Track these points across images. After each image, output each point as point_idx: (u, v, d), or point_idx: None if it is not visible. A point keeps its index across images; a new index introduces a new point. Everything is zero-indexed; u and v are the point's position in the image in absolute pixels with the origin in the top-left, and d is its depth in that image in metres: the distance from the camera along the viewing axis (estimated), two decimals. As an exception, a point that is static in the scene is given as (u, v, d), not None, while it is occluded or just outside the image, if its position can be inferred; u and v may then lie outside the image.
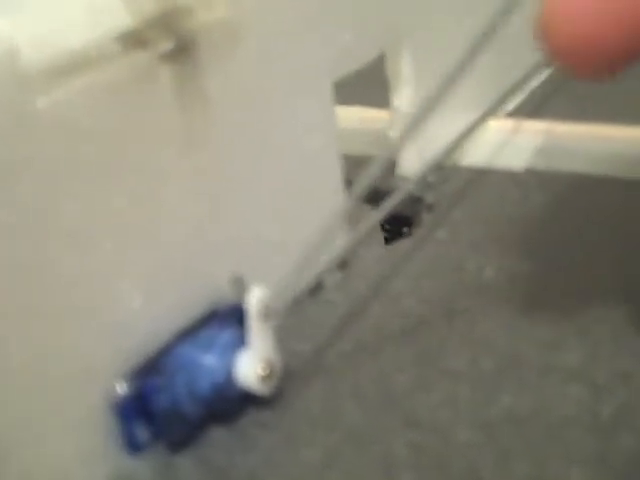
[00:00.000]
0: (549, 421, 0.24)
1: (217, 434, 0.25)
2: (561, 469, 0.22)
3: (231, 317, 0.25)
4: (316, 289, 0.31)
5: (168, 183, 0.25)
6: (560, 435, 0.23)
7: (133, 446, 0.24)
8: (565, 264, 0.31)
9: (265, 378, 0.24)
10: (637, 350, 0.26)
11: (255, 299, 0.24)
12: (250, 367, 0.24)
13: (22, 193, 0.21)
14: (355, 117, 0.42)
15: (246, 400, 0.25)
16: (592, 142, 0.39)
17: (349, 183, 0.33)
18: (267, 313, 0.25)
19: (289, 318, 0.28)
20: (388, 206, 0.32)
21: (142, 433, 0.24)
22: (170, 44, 0.24)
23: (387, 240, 0.35)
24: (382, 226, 0.35)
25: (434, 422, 0.24)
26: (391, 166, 0.38)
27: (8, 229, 0.20)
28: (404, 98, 0.38)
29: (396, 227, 0.35)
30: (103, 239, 0.23)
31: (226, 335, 0.25)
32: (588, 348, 0.26)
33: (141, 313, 0.24)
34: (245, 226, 0.27)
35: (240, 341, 0.25)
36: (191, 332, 0.25)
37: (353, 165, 0.34)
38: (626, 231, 0.32)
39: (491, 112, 0.38)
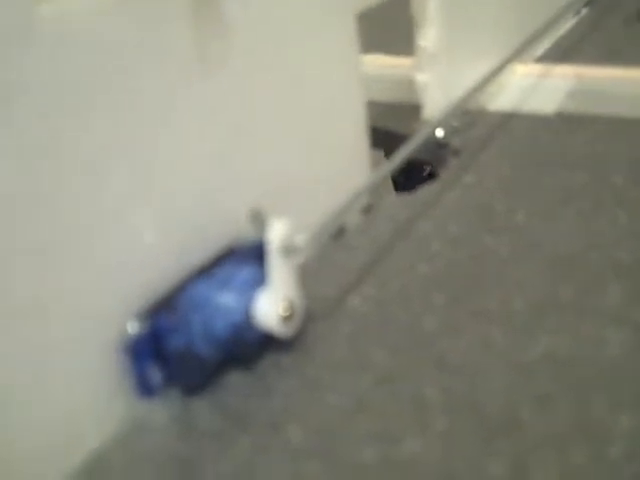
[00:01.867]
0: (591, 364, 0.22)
1: (235, 378, 0.23)
2: (608, 414, 0.20)
3: (250, 254, 0.24)
4: (339, 233, 0.29)
5: (184, 108, 0.23)
6: (604, 379, 0.21)
7: (146, 389, 0.22)
8: (597, 206, 0.29)
9: (286, 319, 0.23)
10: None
11: (276, 234, 0.23)
12: (270, 307, 0.23)
13: (24, 115, 0.19)
14: (379, 64, 0.40)
15: (265, 342, 0.23)
16: (622, 85, 0.38)
17: (373, 129, 0.32)
18: (289, 249, 0.23)
19: (312, 260, 0.26)
20: (411, 148, 0.31)
21: (156, 375, 0.22)
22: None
23: (411, 187, 0.34)
24: (406, 173, 0.33)
25: (466, 365, 0.23)
26: (416, 110, 0.37)
27: (14, 156, 0.19)
28: (430, 38, 0.36)
29: (420, 172, 0.34)
30: (115, 168, 0.21)
31: (245, 273, 0.23)
32: (627, 290, 0.25)
33: (155, 249, 0.22)
34: (266, 159, 0.26)
35: (259, 280, 0.23)
36: (207, 269, 0.23)
37: (377, 111, 0.32)
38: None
39: (517, 55, 0.37)
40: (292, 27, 0.26)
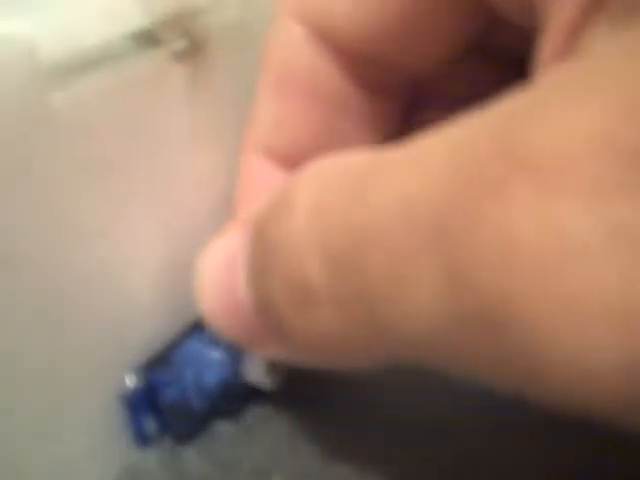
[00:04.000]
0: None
1: (223, 428, 0.25)
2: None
3: (239, 313, 0.26)
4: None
5: (180, 179, 0.25)
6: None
7: (142, 438, 0.24)
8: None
9: (271, 373, 0.25)
10: None
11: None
12: (256, 362, 0.25)
13: (35, 191, 0.21)
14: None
15: (252, 394, 0.25)
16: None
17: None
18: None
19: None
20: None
21: (151, 425, 0.24)
22: (183, 43, 0.24)
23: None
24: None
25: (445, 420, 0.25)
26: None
27: (20, 227, 0.21)
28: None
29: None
30: (115, 236, 0.23)
31: (234, 330, 0.25)
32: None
33: (152, 309, 0.25)
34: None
35: (247, 336, 0.25)
36: (199, 327, 0.25)
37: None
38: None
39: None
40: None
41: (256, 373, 0.25)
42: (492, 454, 0.23)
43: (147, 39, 0.24)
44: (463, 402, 0.25)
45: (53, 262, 0.22)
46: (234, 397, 0.25)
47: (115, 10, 0.23)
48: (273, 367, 0.25)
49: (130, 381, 0.24)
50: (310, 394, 0.26)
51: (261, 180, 0.20)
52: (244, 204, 0.22)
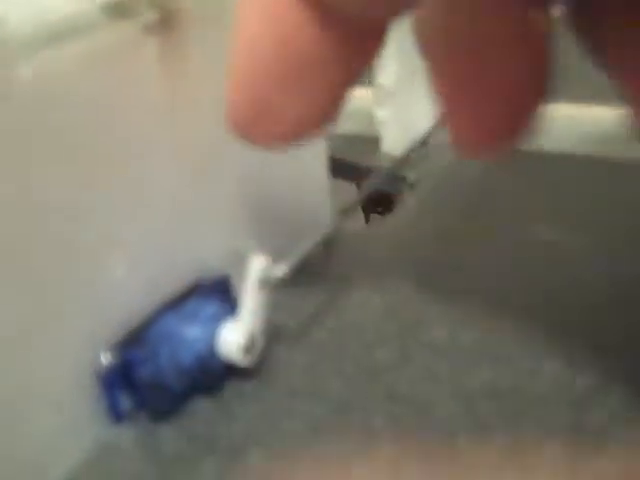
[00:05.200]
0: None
1: (199, 405, 0.25)
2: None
3: (215, 290, 0.26)
4: (303, 265, 0.31)
5: (153, 153, 0.25)
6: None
7: (116, 415, 0.24)
8: (544, 238, 0.31)
9: (247, 350, 0.25)
10: (611, 324, 0.26)
11: (256, 267, 0.24)
12: (233, 339, 0.25)
13: (2, 165, 0.21)
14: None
15: (229, 372, 0.25)
16: (569, 121, 0.40)
17: (333, 161, 0.33)
18: (266, 281, 0.25)
19: (277, 293, 0.28)
20: (372, 184, 0.33)
21: (125, 402, 0.24)
22: (155, 15, 0.24)
23: (370, 217, 0.35)
24: (365, 204, 0.35)
25: (414, 395, 0.25)
26: (375, 143, 0.39)
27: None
28: (389, 76, 0.38)
29: (378, 205, 0.35)
30: (88, 211, 0.23)
31: (210, 307, 0.25)
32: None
33: (126, 286, 0.24)
34: (231, 200, 0.28)
35: (223, 314, 0.25)
36: (175, 304, 0.25)
37: (338, 143, 0.34)
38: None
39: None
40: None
41: (232, 350, 0.25)
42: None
43: (118, 11, 0.23)
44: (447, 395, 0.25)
45: (24, 237, 0.21)
46: (210, 374, 0.25)
47: (85, -19, 0.23)
48: (250, 344, 0.25)
49: (105, 358, 0.23)
50: (287, 372, 0.26)
51: None
52: None
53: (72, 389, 0.23)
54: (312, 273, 0.31)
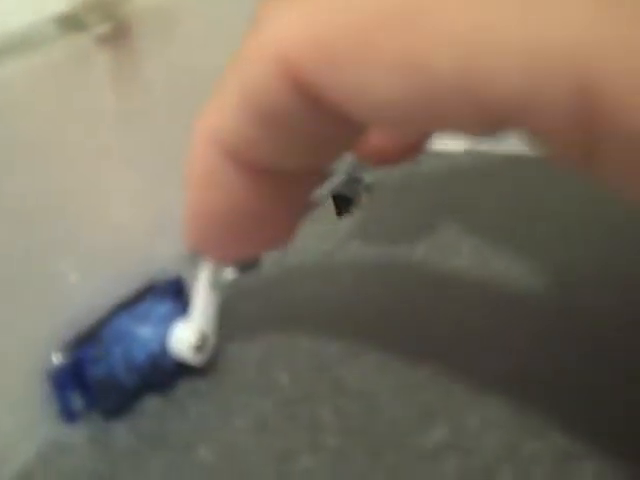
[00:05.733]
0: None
1: (152, 403, 0.26)
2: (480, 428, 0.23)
3: (169, 291, 0.26)
4: (254, 265, 0.32)
5: (107, 160, 0.25)
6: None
7: (68, 414, 0.25)
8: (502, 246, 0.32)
9: (198, 349, 0.26)
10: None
11: (207, 269, 0.25)
12: (184, 338, 0.25)
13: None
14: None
15: (181, 370, 0.26)
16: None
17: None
18: (216, 284, 0.26)
19: (229, 291, 0.29)
20: (328, 186, 0.34)
21: (77, 402, 0.25)
22: (107, 27, 0.25)
23: (328, 218, 0.36)
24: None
25: (361, 388, 0.25)
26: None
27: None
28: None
29: (336, 207, 0.36)
30: (41, 216, 0.24)
31: (162, 308, 0.26)
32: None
33: (79, 286, 0.25)
34: (184, 205, 0.28)
35: (176, 314, 0.26)
36: (128, 305, 0.26)
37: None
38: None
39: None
40: (210, 84, 0.29)
41: (184, 349, 0.26)
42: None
43: (71, 23, 0.24)
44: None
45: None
46: (163, 373, 0.26)
47: (37, -6, 0.23)
48: (201, 343, 0.26)
49: (56, 358, 0.24)
50: (239, 370, 0.27)
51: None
52: None
53: (24, 390, 0.24)
54: (265, 273, 0.32)
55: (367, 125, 0.17)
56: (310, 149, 0.18)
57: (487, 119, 0.14)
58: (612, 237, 0.31)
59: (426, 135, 0.22)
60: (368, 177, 0.37)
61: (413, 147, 0.21)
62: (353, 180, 0.36)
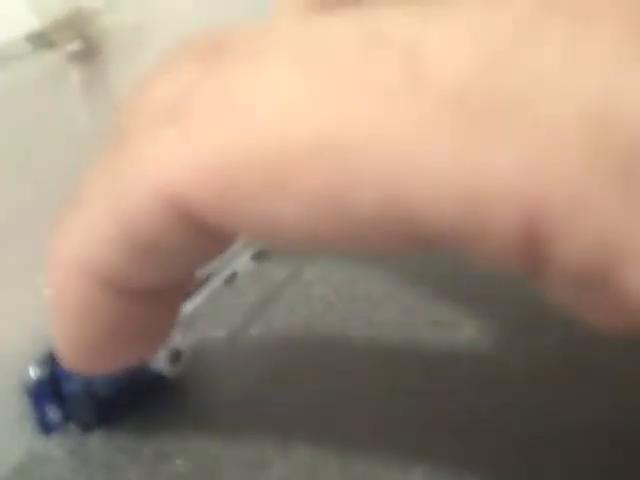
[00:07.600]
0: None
1: (128, 415, 0.26)
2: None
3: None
4: (230, 278, 0.32)
5: (78, 178, 0.26)
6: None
7: (46, 427, 0.25)
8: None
9: (173, 361, 0.26)
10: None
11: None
12: (160, 351, 0.26)
13: None
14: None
15: (157, 382, 0.26)
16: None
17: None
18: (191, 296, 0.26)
19: (203, 303, 0.29)
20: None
21: (55, 414, 0.25)
22: (78, 45, 0.25)
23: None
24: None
25: (334, 407, 0.26)
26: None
27: None
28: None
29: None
30: (16, 234, 0.24)
31: (137, 321, 0.26)
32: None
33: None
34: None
35: (151, 327, 0.26)
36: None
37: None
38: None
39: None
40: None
41: (160, 361, 0.26)
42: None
43: (42, 41, 0.25)
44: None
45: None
46: (139, 385, 0.26)
47: (8, 12, 0.24)
48: (176, 355, 0.26)
49: (34, 371, 0.24)
50: (215, 382, 0.27)
51: None
52: None
53: (1, 403, 0.24)
54: (241, 286, 0.32)
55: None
56: (185, 267, 0.18)
57: (415, 244, 0.13)
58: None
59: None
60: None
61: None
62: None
